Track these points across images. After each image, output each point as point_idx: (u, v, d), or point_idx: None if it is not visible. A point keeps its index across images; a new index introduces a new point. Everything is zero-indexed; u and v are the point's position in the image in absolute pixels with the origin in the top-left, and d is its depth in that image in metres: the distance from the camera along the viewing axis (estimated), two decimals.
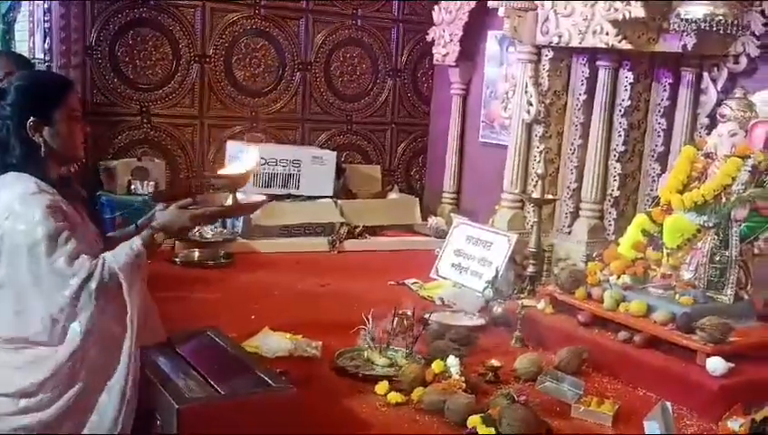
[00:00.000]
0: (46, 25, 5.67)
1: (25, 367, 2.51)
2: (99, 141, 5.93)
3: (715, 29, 4.32)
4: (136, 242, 2.67)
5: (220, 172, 3.27)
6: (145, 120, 6.19)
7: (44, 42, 5.72)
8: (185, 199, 2.90)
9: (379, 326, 3.67)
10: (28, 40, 5.95)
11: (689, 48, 4.51)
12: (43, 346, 2.52)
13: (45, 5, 5.66)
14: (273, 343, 3.68)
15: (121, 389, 2.56)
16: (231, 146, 6.29)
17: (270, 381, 2.79)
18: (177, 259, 5.31)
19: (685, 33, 4.47)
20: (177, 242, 5.43)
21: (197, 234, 5.73)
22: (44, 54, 5.72)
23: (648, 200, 4.94)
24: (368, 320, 3.68)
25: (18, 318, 2.51)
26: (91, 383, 2.54)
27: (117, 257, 2.59)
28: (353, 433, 2.98)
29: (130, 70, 6.07)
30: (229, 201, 3.06)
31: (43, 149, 2.65)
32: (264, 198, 3.23)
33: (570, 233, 5.22)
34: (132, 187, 5.82)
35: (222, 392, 2.72)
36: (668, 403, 3.06)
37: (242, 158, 3.31)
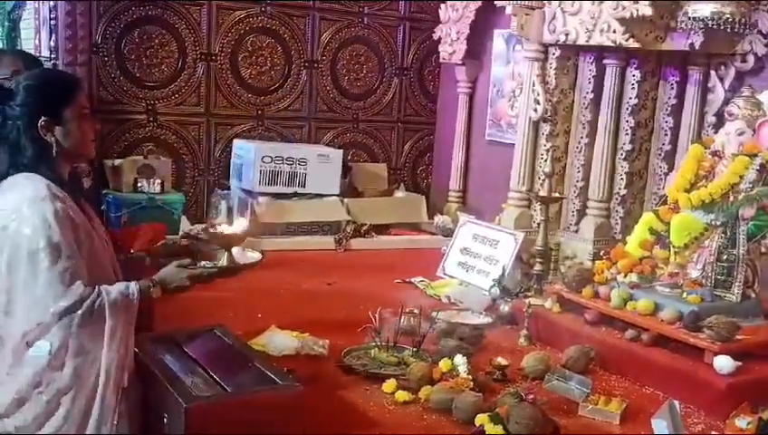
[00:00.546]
0: (52, 23, 5.66)
1: (9, 375, 2.49)
2: (105, 139, 5.93)
3: (722, 27, 4.31)
4: (133, 287, 2.61)
5: (216, 231, 3.26)
6: (151, 119, 6.19)
7: (50, 39, 5.70)
8: (185, 259, 2.88)
9: (385, 325, 3.66)
10: (34, 37, 5.95)
11: (697, 46, 4.50)
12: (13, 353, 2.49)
13: (51, 3, 5.65)
14: (280, 341, 3.68)
15: (95, 428, 2.52)
16: (237, 144, 6.31)
17: (277, 380, 2.79)
18: None
19: (692, 32, 4.46)
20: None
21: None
22: (50, 52, 5.70)
23: (655, 199, 4.93)
24: (374, 318, 3.67)
25: (6, 319, 2.48)
26: (73, 417, 2.50)
27: (110, 294, 2.53)
28: (361, 432, 2.97)
29: (137, 68, 6.07)
30: (224, 261, 3.06)
31: (54, 148, 2.62)
32: (260, 256, 3.23)
33: (576, 231, 5.21)
34: (138, 185, 5.83)
35: (229, 391, 2.72)
36: (676, 402, 3.06)
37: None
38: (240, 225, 3.18)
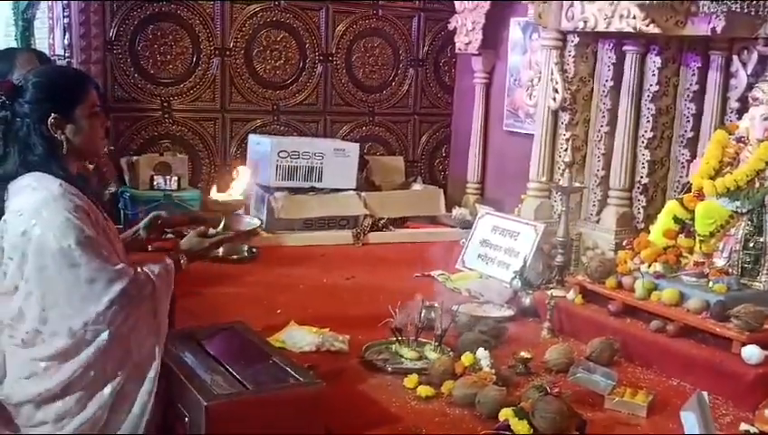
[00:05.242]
0: (66, 21, 5.68)
1: (47, 370, 2.46)
2: (121, 137, 5.93)
3: (745, 11, 4.22)
4: (168, 260, 2.73)
5: (216, 198, 3.35)
6: (166, 115, 6.18)
7: (64, 38, 5.72)
8: (199, 228, 2.97)
9: (406, 319, 3.62)
10: (48, 36, 5.95)
11: (718, 31, 4.40)
12: (62, 351, 2.47)
13: (64, 2, 5.67)
14: (300, 337, 3.66)
15: (149, 390, 2.56)
16: (253, 139, 6.28)
17: (298, 376, 2.76)
18: None
19: (714, 16, 4.37)
20: None
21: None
22: (64, 50, 5.71)
23: (677, 187, 4.85)
24: (394, 313, 3.63)
25: (44, 326, 2.44)
26: (124, 385, 2.52)
27: (152, 269, 2.63)
28: (383, 427, 2.94)
29: (151, 65, 6.06)
30: (221, 226, 3.14)
31: (65, 145, 2.58)
32: (258, 222, 3.47)
33: (598, 221, 5.15)
34: (155, 182, 5.81)
35: (249, 388, 2.69)
36: (705, 393, 3.00)
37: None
38: (236, 191, 3.22)
